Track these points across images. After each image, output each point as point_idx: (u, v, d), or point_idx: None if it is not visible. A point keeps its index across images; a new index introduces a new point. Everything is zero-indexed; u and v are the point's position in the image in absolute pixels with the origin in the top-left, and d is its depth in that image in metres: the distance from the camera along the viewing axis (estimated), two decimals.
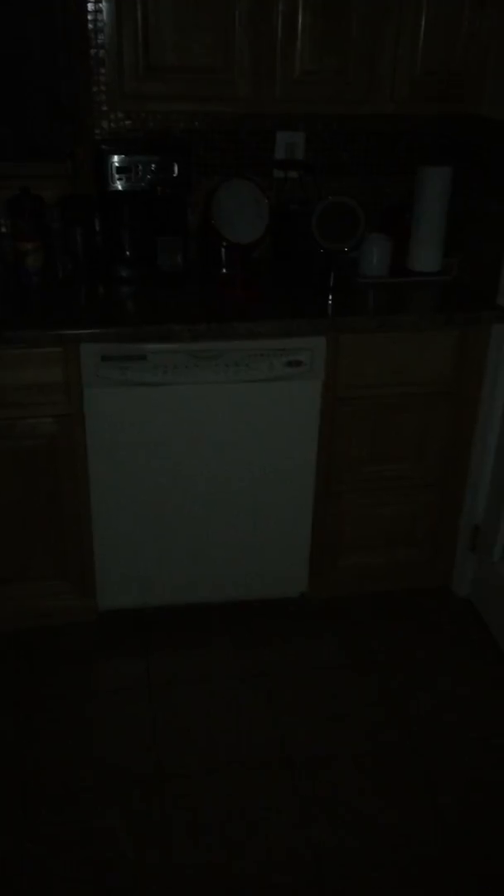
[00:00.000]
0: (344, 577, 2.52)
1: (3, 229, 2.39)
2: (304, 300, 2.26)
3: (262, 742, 2.04)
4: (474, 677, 2.29)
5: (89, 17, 2.26)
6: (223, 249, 2.34)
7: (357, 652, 2.36)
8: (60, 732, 2.06)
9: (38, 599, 2.34)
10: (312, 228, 2.19)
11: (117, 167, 2.22)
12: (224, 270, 2.38)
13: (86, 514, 2.25)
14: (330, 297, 2.28)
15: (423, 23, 2.14)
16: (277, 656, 2.33)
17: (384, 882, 1.71)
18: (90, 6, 2.25)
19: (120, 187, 2.25)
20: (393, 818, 1.85)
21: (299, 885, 1.70)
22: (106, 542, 2.30)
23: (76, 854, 1.75)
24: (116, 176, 2.23)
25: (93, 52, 2.31)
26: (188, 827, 1.81)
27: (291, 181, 2.49)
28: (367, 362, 2.22)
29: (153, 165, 2.24)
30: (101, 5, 2.22)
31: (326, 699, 2.19)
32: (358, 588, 2.55)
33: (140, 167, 2.24)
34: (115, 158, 2.22)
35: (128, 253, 2.35)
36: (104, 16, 2.08)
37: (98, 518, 2.26)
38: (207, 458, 2.24)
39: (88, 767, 1.96)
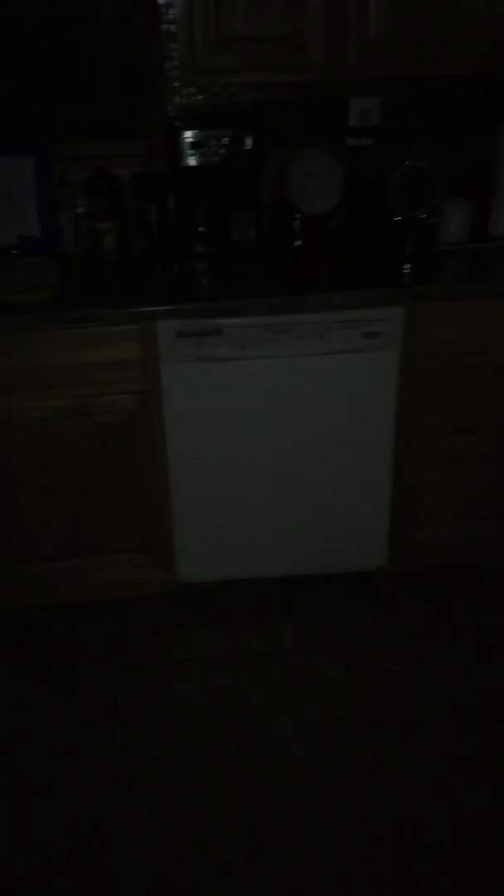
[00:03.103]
0: (423, 551, 2.49)
1: (80, 210, 2.43)
2: (381, 270, 2.22)
3: (341, 714, 2.05)
4: None
5: None
6: (297, 221, 2.32)
7: (436, 626, 2.33)
8: (142, 702, 2.11)
9: (119, 572, 2.40)
10: (388, 196, 2.15)
11: (190, 142, 2.22)
12: (299, 242, 2.36)
13: (164, 489, 2.29)
14: (407, 265, 2.23)
15: None
16: (356, 630, 2.33)
17: (462, 853, 1.71)
18: None
19: (193, 162, 2.25)
20: (472, 792, 1.84)
21: (376, 855, 1.71)
22: (184, 516, 2.33)
23: (156, 818, 1.80)
24: (189, 151, 2.23)
25: (164, 27, 2.31)
26: (268, 796, 1.84)
27: (366, 148, 2.44)
28: (446, 332, 2.17)
29: (226, 139, 2.23)
30: None
31: (405, 673, 2.17)
32: (437, 561, 2.51)
33: (213, 142, 2.23)
34: (188, 134, 2.22)
35: (202, 228, 2.35)
36: None
37: (176, 492, 2.30)
38: (284, 431, 2.24)
39: (170, 735, 2.01)
